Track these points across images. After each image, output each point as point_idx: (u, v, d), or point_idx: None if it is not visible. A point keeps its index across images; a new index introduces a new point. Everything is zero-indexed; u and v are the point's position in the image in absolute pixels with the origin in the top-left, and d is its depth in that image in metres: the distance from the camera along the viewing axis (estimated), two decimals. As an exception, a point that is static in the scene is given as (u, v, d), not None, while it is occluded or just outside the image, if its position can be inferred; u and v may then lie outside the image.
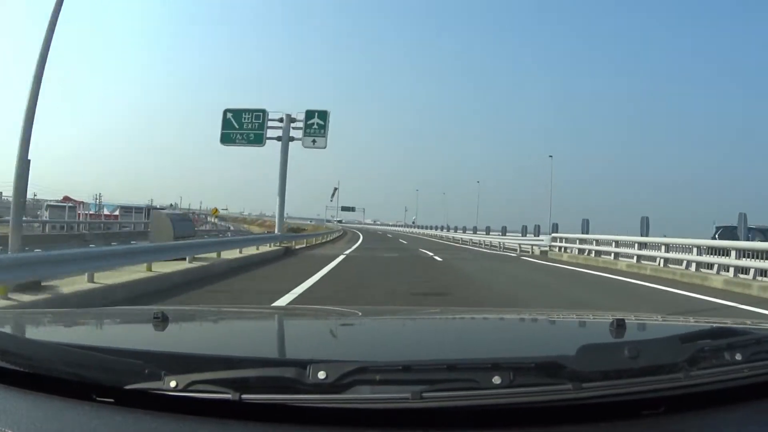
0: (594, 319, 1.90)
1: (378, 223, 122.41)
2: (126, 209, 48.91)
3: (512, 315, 2.26)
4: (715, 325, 1.27)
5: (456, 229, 45.56)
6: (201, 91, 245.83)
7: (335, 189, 72.25)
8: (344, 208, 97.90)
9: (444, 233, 47.04)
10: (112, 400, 0.77)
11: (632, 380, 0.80)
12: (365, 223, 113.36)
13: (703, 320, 1.69)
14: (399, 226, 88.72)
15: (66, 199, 46.83)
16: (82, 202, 48.73)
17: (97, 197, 53.71)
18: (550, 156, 40.57)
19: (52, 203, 45.04)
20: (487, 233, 35.29)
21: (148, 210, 49.60)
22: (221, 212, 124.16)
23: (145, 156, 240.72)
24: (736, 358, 0.88)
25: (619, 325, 1.16)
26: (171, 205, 77.33)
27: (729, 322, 1.38)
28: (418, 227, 63.08)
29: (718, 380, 0.85)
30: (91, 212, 44.62)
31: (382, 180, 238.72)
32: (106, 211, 48.47)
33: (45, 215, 37.46)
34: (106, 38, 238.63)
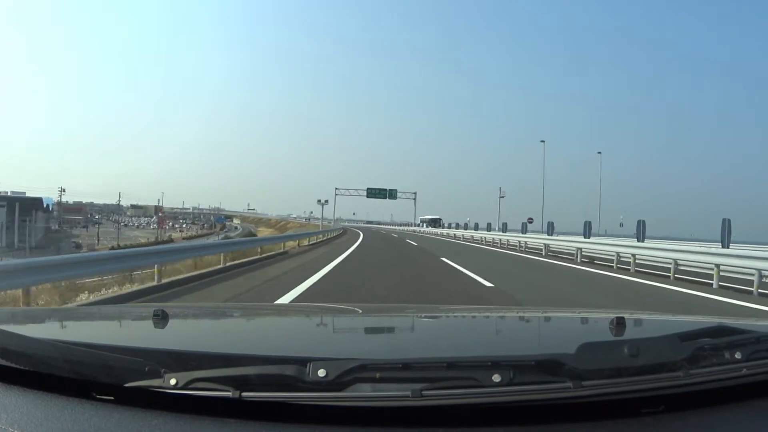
0: (594, 317, 1.90)
1: (449, 225, 50.21)
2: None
3: (512, 313, 2.25)
4: (714, 323, 1.27)
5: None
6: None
7: None
8: (371, 193, 63.16)
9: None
10: (111, 398, 0.76)
11: (632, 378, 0.80)
12: (427, 227, 57.08)
13: (703, 318, 1.68)
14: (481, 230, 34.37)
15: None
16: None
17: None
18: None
19: None
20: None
21: (13, 202, 38.78)
22: (247, 213, 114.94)
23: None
24: (736, 356, 0.88)
25: (619, 323, 1.16)
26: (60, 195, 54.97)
27: (728, 321, 1.38)
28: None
29: (718, 379, 0.85)
30: None
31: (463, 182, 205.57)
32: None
33: None
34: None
